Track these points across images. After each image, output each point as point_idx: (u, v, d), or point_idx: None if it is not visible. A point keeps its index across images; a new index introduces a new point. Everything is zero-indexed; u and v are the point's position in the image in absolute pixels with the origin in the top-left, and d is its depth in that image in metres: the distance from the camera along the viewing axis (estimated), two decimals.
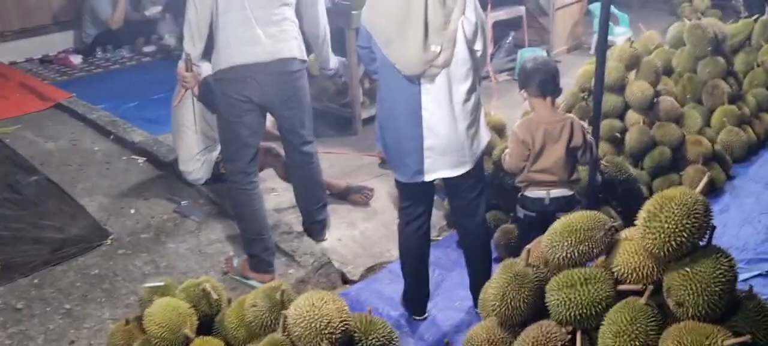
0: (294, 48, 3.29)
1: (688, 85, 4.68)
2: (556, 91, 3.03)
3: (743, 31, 5.13)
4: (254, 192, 3.42)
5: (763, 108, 4.83)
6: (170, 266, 3.58)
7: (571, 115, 3.09)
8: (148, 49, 8.45)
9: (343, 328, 1.95)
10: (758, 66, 5.02)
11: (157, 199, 4.29)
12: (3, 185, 4.49)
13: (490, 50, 6.60)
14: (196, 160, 4.16)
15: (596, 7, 7.34)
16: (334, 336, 1.93)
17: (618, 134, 4.22)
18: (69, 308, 3.28)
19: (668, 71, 4.84)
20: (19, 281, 3.48)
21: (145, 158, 4.87)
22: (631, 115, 4.27)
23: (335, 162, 4.82)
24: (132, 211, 4.15)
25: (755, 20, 5.17)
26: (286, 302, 2.13)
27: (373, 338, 2.04)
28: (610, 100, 4.26)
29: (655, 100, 4.25)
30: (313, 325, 1.92)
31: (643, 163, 4.13)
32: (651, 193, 3.83)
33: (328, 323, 1.92)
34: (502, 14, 6.61)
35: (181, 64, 3.43)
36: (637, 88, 4.20)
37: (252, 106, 3.29)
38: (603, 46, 3.17)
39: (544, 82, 2.97)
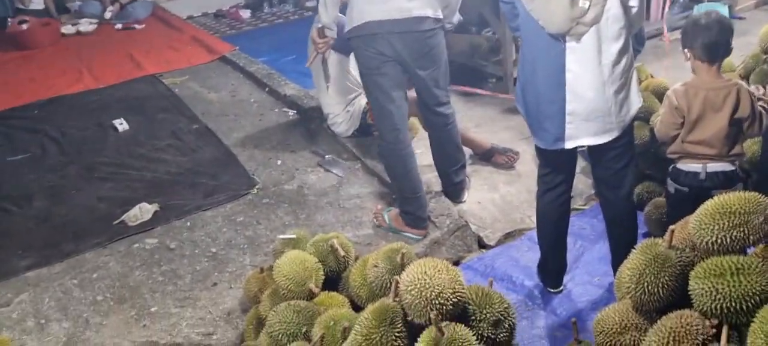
0: (426, 5, 3.17)
1: None
2: (725, 55, 2.69)
3: None
4: (406, 151, 3.38)
5: None
6: (309, 219, 3.66)
7: (738, 80, 2.72)
8: (310, 3, 8.69)
9: (454, 299, 1.85)
10: None
11: (303, 151, 4.39)
12: (168, 131, 4.83)
13: (662, 4, 6.06)
14: (339, 116, 4.22)
15: None
16: (444, 307, 1.84)
17: None
18: (215, 251, 3.46)
19: None
20: (174, 222, 3.72)
21: (295, 111, 5.02)
22: None
23: (482, 121, 4.68)
24: (279, 162, 4.28)
25: None
26: (406, 265, 2.07)
27: (488, 312, 1.92)
28: None
29: None
30: (423, 293, 1.84)
31: None
32: None
33: (440, 293, 1.83)
34: None
35: (314, 29, 3.48)
36: None
37: (388, 59, 3.23)
38: None
39: (712, 45, 2.63)
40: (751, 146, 3.32)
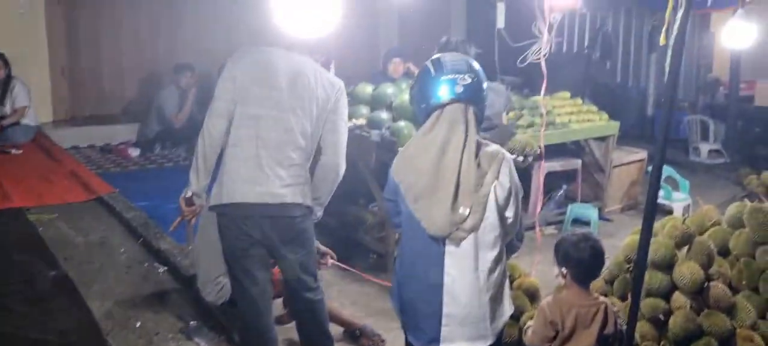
0: (298, 193, 3.15)
1: (744, 271, 4.30)
2: (596, 276, 2.81)
3: None
4: (269, 335, 3.26)
5: None
6: None
7: (605, 299, 2.82)
8: None
9: None
10: None
11: (167, 314, 4.13)
12: (21, 276, 4.46)
13: (539, 205, 6.39)
14: (214, 283, 4.02)
15: None
16: None
17: (661, 316, 3.87)
18: None
19: (724, 252, 4.52)
20: None
21: (166, 268, 4.77)
22: (678, 298, 3.92)
23: (358, 298, 4.61)
24: (138, 324, 3.99)
25: None
26: None
27: None
28: (655, 278, 3.95)
29: (706, 285, 3.91)
30: None
31: None
32: None
33: None
34: (557, 166, 6.43)
35: (183, 196, 3.27)
36: (687, 269, 3.88)
37: (256, 242, 3.14)
38: (649, 220, 2.95)
39: (586, 270, 2.75)
40: None
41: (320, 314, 3.39)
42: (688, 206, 6.75)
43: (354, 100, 5.38)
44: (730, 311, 3.91)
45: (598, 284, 4.29)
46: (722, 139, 10.43)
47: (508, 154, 2.62)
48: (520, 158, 3.96)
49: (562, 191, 6.42)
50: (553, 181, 6.54)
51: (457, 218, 2.51)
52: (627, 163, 6.88)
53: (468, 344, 2.63)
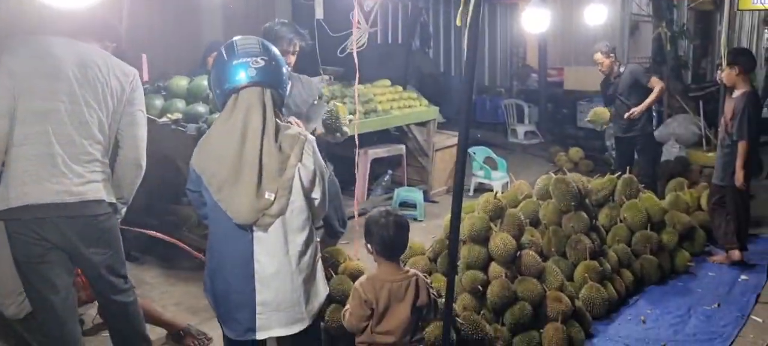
0: (100, 189, 2.93)
1: (553, 238, 4.66)
2: (402, 251, 2.87)
3: (607, 187, 5.26)
4: None
5: (624, 264, 4.87)
6: None
7: (416, 271, 2.90)
8: None
9: None
10: (620, 222, 5.12)
11: None
12: None
13: (363, 190, 6.50)
14: (14, 295, 3.66)
15: (476, 150, 7.49)
16: None
17: (480, 287, 4.08)
18: None
19: (536, 222, 4.85)
20: None
21: None
22: (494, 268, 4.15)
23: (183, 299, 4.43)
24: None
25: (618, 177, 5.32)
26: None
27: None
28: (473, 251, 4.16)
29: (518, 253, 4.18)
30: None
31: (504, 319, 3.98)
32: None
33: None
34: (383, 152, 6.58)
35: None
36: (500, 240, 4.11)
37: (53, 246, 2.88)
38: (458, 198, 3.07)
39: (390, 244, 2.80)
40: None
41: (134, 318, 3.18)
42: (507, 183, 7.18)
43: (169, 94, 5.15)
44: (541, 275, 4.21)
45: (422, 260, 4.44)
46: (536, 120, 11.23)
47: (310, 136, 2.62)
48: (338, 134, 3.99)
49: (388, 176, 6.58)
50: (380, 167, 6.69)
51: (262, 204, 2.47)
52: (449, 146, 7.19)
53: (285, 329, 2.61)
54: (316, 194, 2.62)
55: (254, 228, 2.51)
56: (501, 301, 3.97)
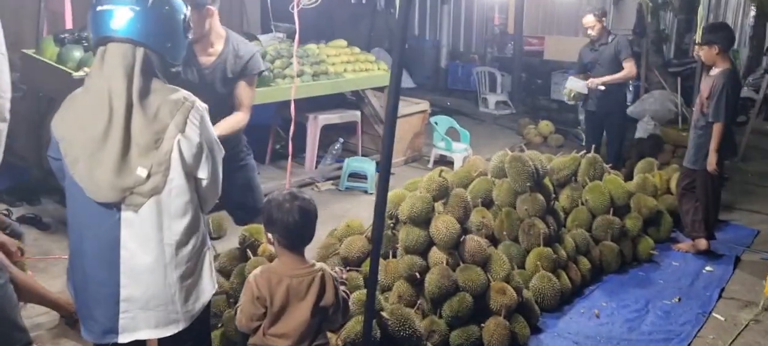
0: None
1: (505, 220, 4.27)
2: (308, 241, 2.44)
3: (569, 166, 4.87)
4: None
5: (582, 251, 4.49)
6: None
7: (323, 265, 2.48)
8: None
9: None
10: (582, 204, 4.74)
11: None
12: None
13: (312, 158, 6.05)
14: None
15: (439, 120, 7.06)
16: None
17: (418, 274, 3.68)
18: None
19: (490, 203, 4.45)
20: None
21: None
22: (435, 253, 3.75)
23: None
24: None
25: (582, 156, 4.93)
26: None
27: None
28: (412, 234, 3.75)
29: (462, 238, 3.78)
30: None
31: (442, 310, 3.59)
32: None
33: None
34: (335, 118, 6.12)
35: None
36: (443, 223, 3.71)
37: None
38: (384, 181, 2.65)
39: (294, 232, 2.36)
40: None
41: (4, 300, 2.75)
42: (470, 155, 6.76)
43: (90, 46, 4.64)
44: (486, 264, 3.81)
45: (359, 241, 4.02)
46: (509, 90, 10.79)
47: (199, 103, 2.17)
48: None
49: (339, 145, 6.13)
50: (333, 134, 6.24)
51: (130, 181, 2.03)
52: (409, 114, 6.75)
53: (155, 331, 2.18)
54: (203, 174, 2.17)
55: (123, 208, 2.07)
56: (439, 291, 3.58)
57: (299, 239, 2.39)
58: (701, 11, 5.21)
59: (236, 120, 3.41)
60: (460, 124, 7.30)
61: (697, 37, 4.85)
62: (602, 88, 5.91)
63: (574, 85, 6.02)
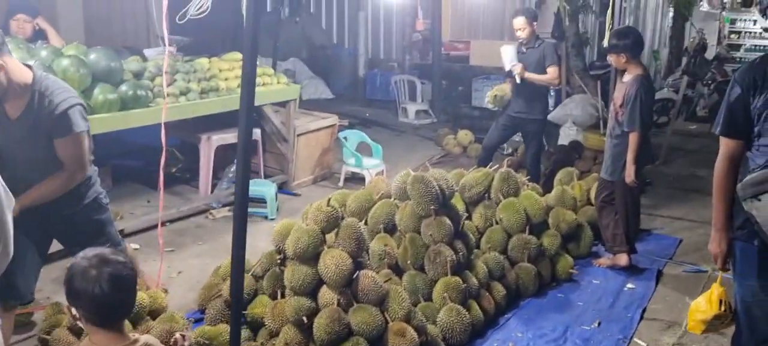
0: None
1: (409, 248, 3.85)
2: (126, 314, 1.95)
3: (482, 183, 4.50)
4: None
5: (495, 276, 4.11)
6: None
7: (147, 336, 1.98)
8: None
9: None
10: (496, 223, 4.37)
11: None
12: None
13: (207, 183, 5.52)
14: None
15: (348, 134, 6.62)
16: None
17: (305, 319, 3.22)
18: None
19: (393, 228, 4.02)
20: None
21: None
22: (325, 294, 3.30)
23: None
24: None
25: (495, 170, 4.57)
26: None
27: None
28: (298, 273, 3.30)
29: (356, 275, 3.33)
30: None
31: None
32: None
33: None
34: (231, 137, 5.58)
35: None
36: (331, 259, 3.26)
37: None
38: (241, 219, 2.21)
39: (100, 310, 1.86)
40: None
41: None
42: (382, 171, 6.35)
43: None
44: (383, 302, 3.37)
45: (247, 280, 3.53)
46: (430, 99, 10.44)
47: None
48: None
49: (234, 166, 5.59)
50: (231, 154, 5.71)
51: None
52: (315, 130, 6.28)
53: None
54: None
55: None
56: (329, 336, 3.14)
57: (111, 314, 1.88)
58: (609, 17, 4.92)
59: (56, 184, 2.87)
60: (378, 136, 6.88)
61: (606, 42, 4.55)
62: (518, 81, 5.56)
63: (507, 54, 5.64)
